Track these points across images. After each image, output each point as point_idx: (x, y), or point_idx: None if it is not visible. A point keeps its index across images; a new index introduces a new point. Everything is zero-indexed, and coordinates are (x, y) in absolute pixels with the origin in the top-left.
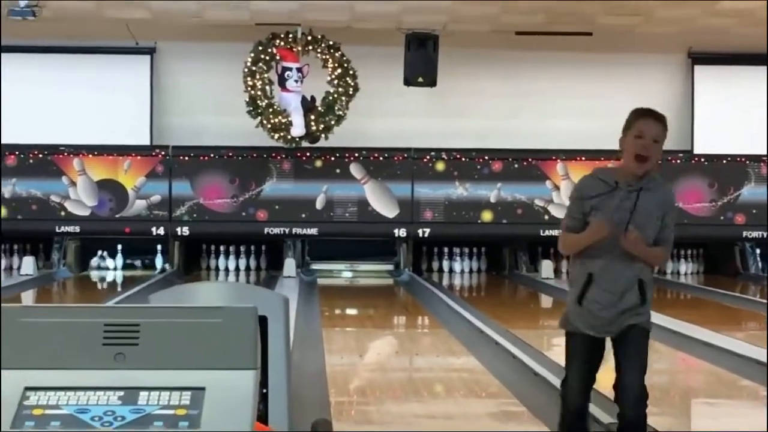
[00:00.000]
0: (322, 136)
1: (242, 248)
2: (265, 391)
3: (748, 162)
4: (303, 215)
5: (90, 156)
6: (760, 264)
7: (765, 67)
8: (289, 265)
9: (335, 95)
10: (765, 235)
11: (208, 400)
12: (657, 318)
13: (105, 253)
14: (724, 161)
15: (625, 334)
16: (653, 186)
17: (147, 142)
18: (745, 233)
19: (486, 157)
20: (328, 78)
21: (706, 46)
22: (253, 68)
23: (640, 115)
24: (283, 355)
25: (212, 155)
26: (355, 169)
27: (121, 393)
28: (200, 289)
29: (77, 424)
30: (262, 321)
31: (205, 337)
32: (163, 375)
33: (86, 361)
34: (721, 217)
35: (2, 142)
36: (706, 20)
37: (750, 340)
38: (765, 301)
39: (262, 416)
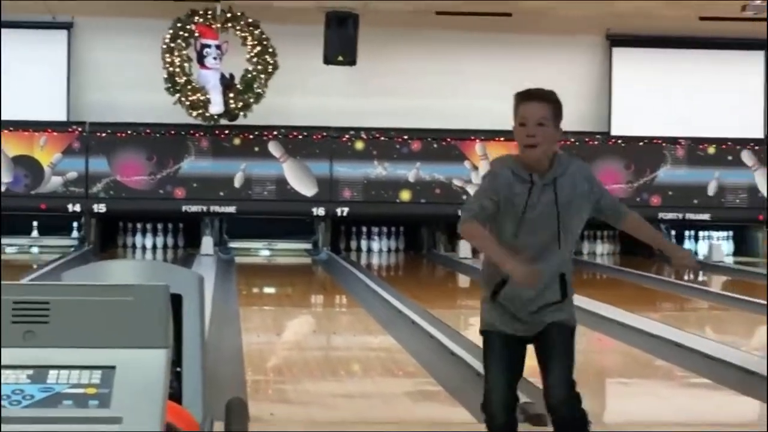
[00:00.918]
0: (241, 114)
1: (159, 226)
2: (179, 369)
3: (664, 144)
4: (221, 193)
5: (5, 131)
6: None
7: (682, 50)
8: (207, 244)
9: (254, 73)
10: (681, 217)
11: (119, 379)
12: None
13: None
14: (641, 143)
15: (547, 332)
16: (563, 169)
17: (64, 118)
18: (660, 215)
19: (405, 137)
20: (248, 56)
21: (624, 29)
22: (172, 45)
23: (521, 98)
24: (198, 334)
25: (130, 132)
26: (273, 148)
27: (30, 371)
28: (114, 266)
29: None
30: (177, 299)
31: (117, 315)
32: (73, 353)
33: None
34: (637, 199)
35: None
36: (625, 2)
37: (665, 320)
38: (678, 281)
39: (176, 395)
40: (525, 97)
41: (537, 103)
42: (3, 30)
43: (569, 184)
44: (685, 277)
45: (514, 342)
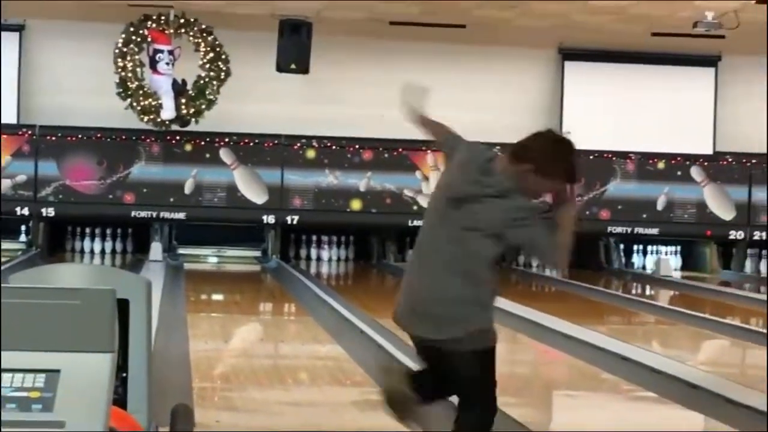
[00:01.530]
0: (193, 120)
1: (108, 231)
2: (125, 375)
3: (614, 158)
4: (171, 199)
5: None
6: (623, 259)
7: (633, 65)
8: (156, 249)
9: (207, 79)
10: (629, 231)
11: (63, 383)
12: (520, 310)
13: None
14: (591, 157)
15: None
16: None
17: (14, 121)
18: (609, 228)
19: (357, 146)
20: (200, 62)
21: (576, 42)
22: (124, 49)
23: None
24: (144, 339)
25: (80, 136)
26: (224, 154)
27: None
28: (61, 270)
29: None
30: (124, 304)
31: (62, 318)
32: (17, 356)
33: None
34: (587, 212)
35: None
36: (580, 16)
37: (612, 333)
38: (626, 295)
39: (121, 400)
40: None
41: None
42: None
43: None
44: (633, 291)
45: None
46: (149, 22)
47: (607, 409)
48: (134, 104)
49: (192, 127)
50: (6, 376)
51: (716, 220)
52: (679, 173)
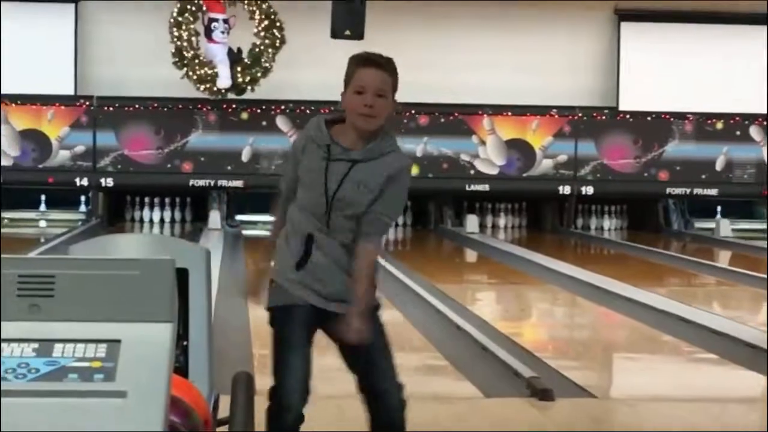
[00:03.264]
0: (249, 88)
1: (167, 200)
2: (185, 343)
3: (672, 119)
4: (228, 167)
5: (13, 105)
6: (682, 220)
7: (689, 24)
8: (214, 217)
9: (262, 47)
10: (688, 192)
11: (124, 353)
12: (580, 273)
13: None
14: (649, 118)
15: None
16: (374, 154)
17: (71, 92)
18: (668, 190)
19: (413, 111)
20: (255, 30)
21: (632, 3)
22: (179, 19)
23: (360, 63)
24: (204, 308)
25: (137, 106)
26: (281, 122)
27: (36, 345)
28: (121, 240)
29: None
30: (183, 273)
31: (122, 289)
32: (78, 327)
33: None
34: (645, 174)
35: None
36: None
37: (672, 296)
38: (687, 257)
39: (182, 369)
40: (365, 62)
41: (378, 71)
42: (11, 4)
43: (370, 171)
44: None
45: (315, 316)
46: None
47: (668, 372)
48: (190, 73)
49: (248, 95)
50: (68, 346)
51: None
52: (738, 133)
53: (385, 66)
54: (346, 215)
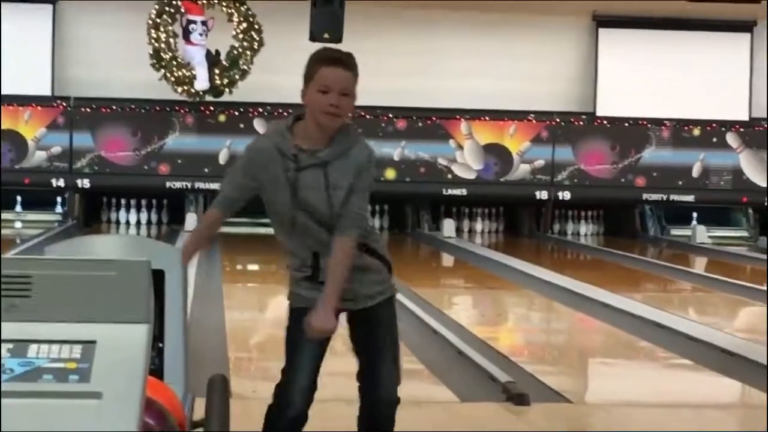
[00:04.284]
0: (227, 90)
1: (144, 202)
2: (161, 345)
3: (649, 125)
4: (206, 170)
5: None
6: (659, 227)
7: (667, 31)
8: (191, 220)
9: (240, 49)
10: (664, 198)
11: (99, 354)
12: (556, 278)
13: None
14: (626, 124)
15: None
16: (340, 151)
17: (48, 93)
18: (645, 196)
19: (390, 115)
20: (234, 32)
21: (610, 10)
22: (158, 20)
23: (324, 62)
24: (180, 310)
25: (114, 107)
26: (259, 124)
27: (11, 345)
28: (97, 241)
29: None
30: (160, 275)
31: (98, 290)
32: (54, 328)
33: None
34: (622, 180)
35: None
36: None
37: (648, 301)
38: (664, 263)
39: (158, 371)
40: (328, 61)
41: (343, 70)
42: None
43: (341, 168)
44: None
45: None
46: None
47: (644, 377)
48: (168, 75)
49: (226, 97)
50: (43, 347)
51: (752, 186)
52: (714, 140)
53: (348, 64)
54: (332, 218)
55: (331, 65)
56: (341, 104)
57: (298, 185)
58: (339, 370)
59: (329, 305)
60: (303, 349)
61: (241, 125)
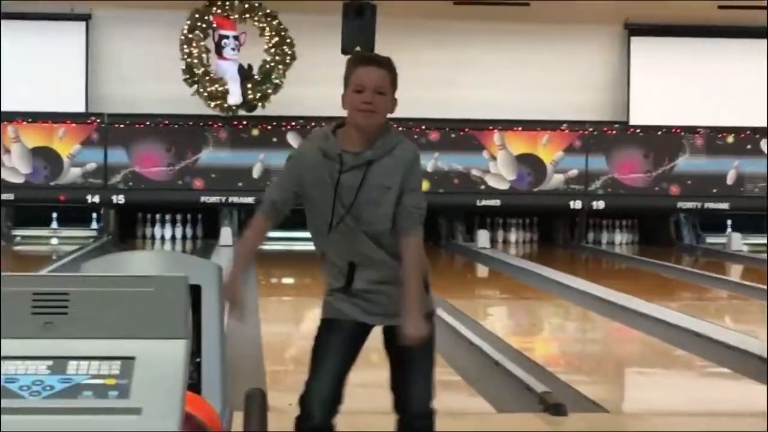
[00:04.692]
0: (259, 104)
1: (178, 217)
2: (198, 360)
3: (683, 133)
4: (239, 184)
5: (24, 123)
6: (694, 235)
7: (699, 38)
8: (226, 234)
9: (272, 63)
10: (699, 206)
11: (138, 370)
12: (591, 288)
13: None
14: (660, 132)
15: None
16: (384, 151)
17: (82, 110)
18: (679, 204)
19: (423, 127)
20: (266, 46)
21: (642, 18)
22: (190, 36)
23: (357, 63)
24: (217, 324)
25: (148, 123)
26: (292, 138)
27: (50, 362)
28: (133, 257)
29: (6, 394)
30: (196, 290)
31: (136, 306)
32: (92, 344)
33: (15, 331)
34: (656, 188)
35: None
36: None
37: (684, 310)
38: (699, 271)
39: (196, 385)
40: (362, 61)
41: (376, 68)
42: (23, 22)
43: (386, 167)
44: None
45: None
46: (214, 8)
47: (681, 386)
48: (201, 90)
49: (258, 111)
50: (82, 363)
51: None
52: (748, 146)
53: (383, 63)
54: (376, 223)
55: (364, 65)
56: (375, 102)
57: (341, 186)
58: (373, 381)
59: (414, 311)
60: (324, 361)
61: (274, 139)
